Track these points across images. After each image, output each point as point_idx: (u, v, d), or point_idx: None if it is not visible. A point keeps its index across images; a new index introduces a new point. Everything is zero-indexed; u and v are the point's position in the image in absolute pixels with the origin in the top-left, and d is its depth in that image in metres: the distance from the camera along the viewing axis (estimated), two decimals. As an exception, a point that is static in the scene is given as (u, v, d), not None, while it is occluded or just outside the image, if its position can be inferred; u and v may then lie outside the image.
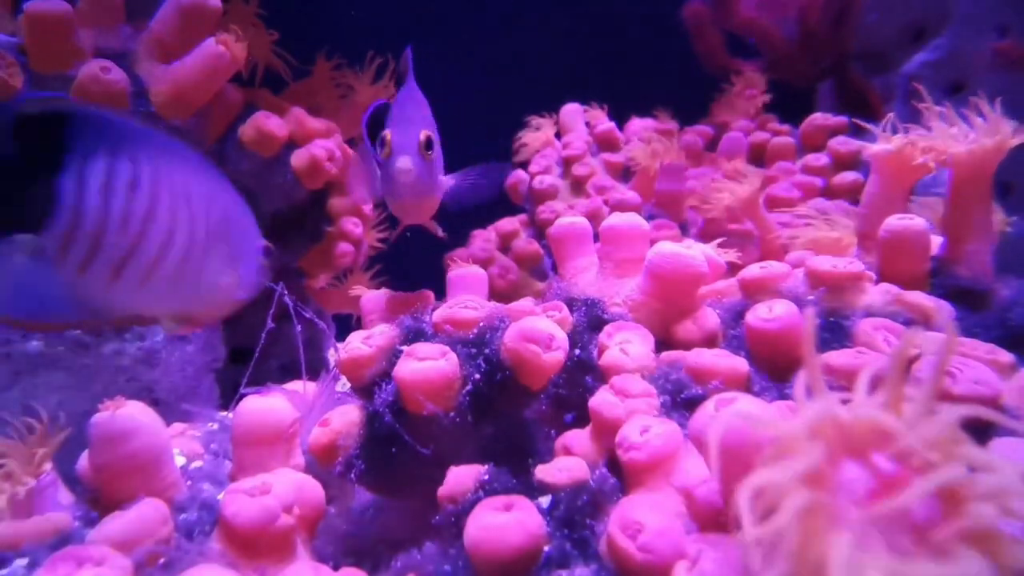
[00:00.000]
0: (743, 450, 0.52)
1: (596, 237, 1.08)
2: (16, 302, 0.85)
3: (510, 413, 0.83)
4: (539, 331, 0.78)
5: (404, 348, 0.80)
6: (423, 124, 1.04)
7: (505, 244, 1.90)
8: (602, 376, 0.82)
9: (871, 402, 0.39)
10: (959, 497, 0.36)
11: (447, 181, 1.11)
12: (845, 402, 0.40)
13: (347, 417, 0.84)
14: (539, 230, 1.83)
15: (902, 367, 0.39)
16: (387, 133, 1.00)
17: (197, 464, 0.86)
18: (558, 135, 2.00)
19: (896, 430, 0.37)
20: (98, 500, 0.77)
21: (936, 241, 1.01)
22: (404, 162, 0.96)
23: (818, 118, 1.88)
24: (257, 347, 1.11)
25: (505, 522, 0.61)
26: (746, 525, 0.36)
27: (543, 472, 0.70)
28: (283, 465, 0.81)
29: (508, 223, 1.93)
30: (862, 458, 0.38)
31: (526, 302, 0.93)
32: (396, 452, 0.80)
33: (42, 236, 0.81)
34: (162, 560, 0.69)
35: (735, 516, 0.38)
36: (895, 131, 1.04)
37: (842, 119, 1.86)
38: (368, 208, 1.73)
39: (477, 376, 0.79)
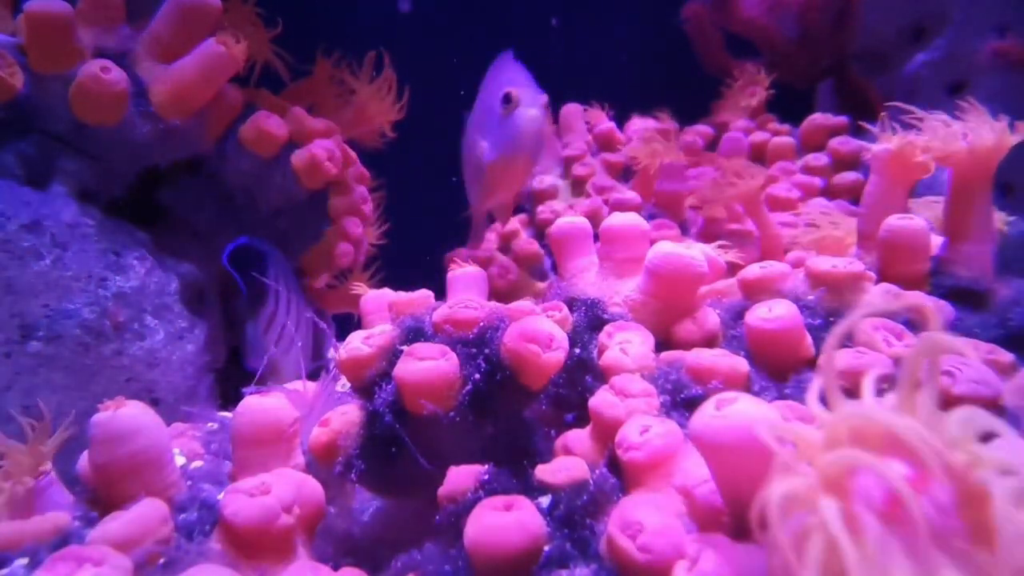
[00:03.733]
0: (744, 450, 0.52)
1: (596, 237, 1.08)
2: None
3: (510, 413, 0.83)
4: (539, 331, 0.78)
5: (404, 348, 0.80)
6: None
7: (505, 244, 1.89)
8: (602, 376, 0.82)
9: (884, 408, 0.39)
10: (976, 501, 0.35)
11: None
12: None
13: (347, 417, 0.84)
14: (539, 230, 1.83)
15: (915, 374, 0.39)
16: (512, 90, 1.15)
17: (197, 464, 0.86)
18: (558, 135, 2.00)
19: (915, 435, 0.37)
20: (98, 500, 0.77)
21: (936, 241, 1.01)
22: (534, 112, 1.11)
23: (818, 118, 1.88)
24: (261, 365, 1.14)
25: (505, 522, 0.61)
26: (778, 535, 0.35)
27: (543, 472, 0.70)
28: (283, 465, 0.81)
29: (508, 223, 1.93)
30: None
31: (526, 302, 0.93)
32: (396, 452, 0.80)
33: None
34: (162, 560, 0.69)
35: (754, 518, 0.38)
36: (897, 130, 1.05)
37: (842, 119, 1.86)
38: (368, 208, 1.74)
39: (477, 376, 0.79)
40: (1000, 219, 1.07)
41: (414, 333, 0.85)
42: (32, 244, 1.20)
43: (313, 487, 0.78)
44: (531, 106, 1.13)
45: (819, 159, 1.79)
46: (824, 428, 0.39)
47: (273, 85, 1.62)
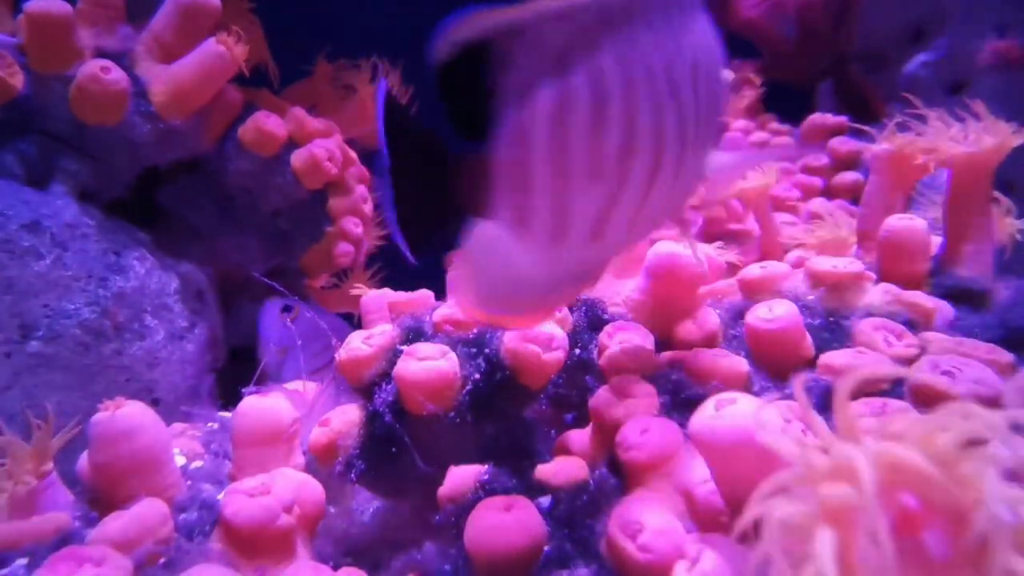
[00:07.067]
0: (744, 451, 0.52)
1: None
2: None
3: (510, 413, 0.83)
4: (539, 331, 0.78)
5: (404, 348, 0.80)
6: None
7: (505, 244, 1.89)
8: (602, 376, 0.82)
9: (907, 435, 0.38)
10: (973, 534, 0.35)
11: None
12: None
13: (347, 417, 0.84)
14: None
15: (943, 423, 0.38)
16: None
17: (197, 464, 0.86)
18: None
19: (930, 475, 0.36)
20: (98, 500, 0.77)
21: (936, 241, 1.01)
22: None
23: (818, 118, 1.88)
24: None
25: (505, 522, 0.61)
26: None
27: (543, 472, 0.70)
28: (283, 465, 0.81)
29: (508, 223, 1.93)
30: (887, 495, 0.37)
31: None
32: (396, 452, 0.80)
33: None
34: (162, 560, 0.69)
35: (746, 523, 0.38)
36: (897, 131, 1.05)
37: (842, 119, 1.86)
38: (368, 207, 1.74)
39: (477, 376, 0.79)
40: (1011, 224, 1.06)
41: (414, 333, 0.85)
42: (32, 244, 1.20)
43: (313, 487, 0.78)
44: None
45: (819, 159, 1.79)
46: (833, 455, 0.38)
47: (273, 85, 1.62)
